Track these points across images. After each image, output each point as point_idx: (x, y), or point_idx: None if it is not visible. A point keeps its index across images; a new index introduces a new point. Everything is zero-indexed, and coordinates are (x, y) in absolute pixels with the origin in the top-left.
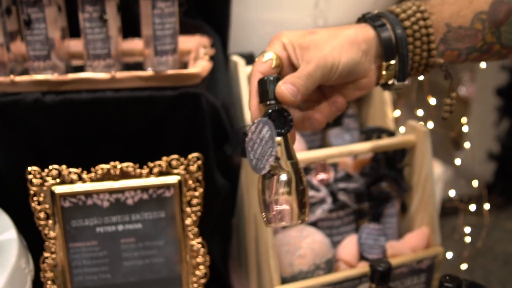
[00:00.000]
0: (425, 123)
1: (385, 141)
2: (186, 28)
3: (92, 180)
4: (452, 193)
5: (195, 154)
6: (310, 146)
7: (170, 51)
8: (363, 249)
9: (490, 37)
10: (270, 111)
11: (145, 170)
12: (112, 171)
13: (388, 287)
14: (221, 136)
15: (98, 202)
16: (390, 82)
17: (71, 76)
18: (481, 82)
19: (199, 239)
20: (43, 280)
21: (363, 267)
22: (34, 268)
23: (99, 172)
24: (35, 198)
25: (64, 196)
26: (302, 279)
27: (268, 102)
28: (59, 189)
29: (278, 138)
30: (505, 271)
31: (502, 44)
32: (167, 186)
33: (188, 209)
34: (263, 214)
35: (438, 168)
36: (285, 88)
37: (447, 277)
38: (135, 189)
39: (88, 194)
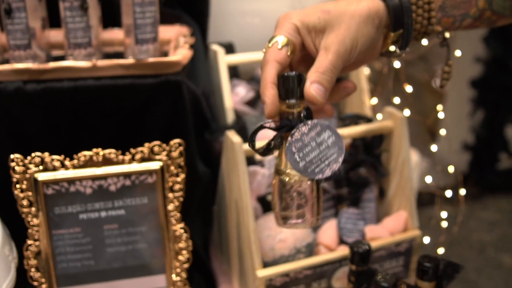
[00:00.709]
0: (402, 111)
1: (363, 127)
2: (166, 18)
3: (74, 167)
4: (428, 179)
5: (177, 140)
6: None
7: (150, 40)
8: (343, 233)
9: (482, 3)
10: (303, 114)
11: (127, 157)
12: (94, 158)
13: (368, 268)
14: (201, 124)
15: (81, 189)
16: (391, 49)
17: (53, 64)
18: (455, 74)
19: (182, 225)
20: (27, 268)
21: (343, 251)
22: (18, 255)
23: (82, 159)
24: (18, 186)
25: (47, 183)
26: (284, 263)
27: (288, 101)
28: (42, 176)
29: None
30: (480, 259)
31: (492, 11)
32: (150, 172)
33: (170, 195)
34: (279, 215)
35: (414, 157)
36: (314, 90)
37: (426, 257)
38: (117, 175)
39: (71, 181)
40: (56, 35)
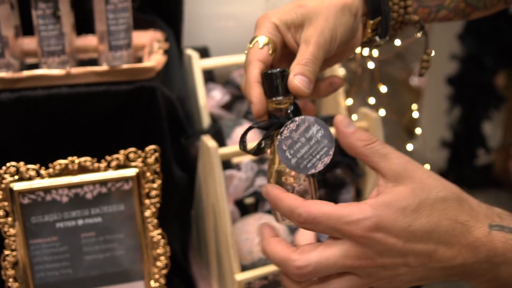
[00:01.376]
0: (377, 111)
1: None
2: (139, 24)
3: (50, 175)
4: None
5: (152, 147)
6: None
7: (124, 46)
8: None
9: None
10: (290, 110)
11: (103, 164)
12: (70, 166)
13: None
14: (177, 129)
15: (57, 198)
16: (371, 39)
17: (26, 73)
18: (432, 72)
19: (159, 231)
20: (5, 278)
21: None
22: None
23: (57, 167)
24: None
25: (23, 192)
26: (262, 266)
27: (275, 98)
28: (18, 186)
29: None
30: None
31: (466, 3)
32: (126, 179)
33: (147, 201)
34: (276, 215)
35: None
36: (298, 81)
37: None
38: (93, 183)
39: (47, 190)
40: (29, 42)
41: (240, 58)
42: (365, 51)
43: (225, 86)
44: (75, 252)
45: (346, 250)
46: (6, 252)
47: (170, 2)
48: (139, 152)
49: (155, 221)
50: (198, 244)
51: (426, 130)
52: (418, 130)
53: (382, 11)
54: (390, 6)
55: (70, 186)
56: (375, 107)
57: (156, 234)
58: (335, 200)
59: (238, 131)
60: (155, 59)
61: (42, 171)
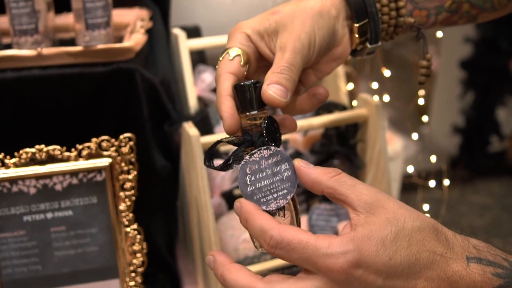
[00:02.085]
0: (381, 97)
1: (335, 116)
2: (124, 1)
3: (16, 165)
4: (410, 169)
5: (127, 135)
6: None
7: (102, 25)
8: (314, 231)
9: None
10: (265, 126)
11: (73, 153)
12: (37, 155)
13: None
14: (160, 115)
15: (24, 189)
16: (360, 47)
17: None
18: (445, 55)
19: (135, 226)
20: None
21: None
22: None
23: (23, 156)
24: None
25: None
26: (248, 264)
27: (248, 113)
28: None
29: None
30: None
31: (471, 3)
32: (98, 170)
33: (121, 194)
34: (254, 241)
35: (398, 144)
36: (273, 91)
37: None
38: (63, 173)
39: (12, 180)
40: (5, 21)
41: None
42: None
43: None
44: (44, 248)
45: (319, 287)
46: None
47: None
48: (113, 140)
49: (131, 215)
50: (184, 237)
51: (438, 115)
52: (425, 118)
53: (369, 13)
54: (378, 8)
55: (38, 177)
56: (379, 92)
57: (131, 229)
58: None
59: None
60: (134, 39)
61: (7, 160)
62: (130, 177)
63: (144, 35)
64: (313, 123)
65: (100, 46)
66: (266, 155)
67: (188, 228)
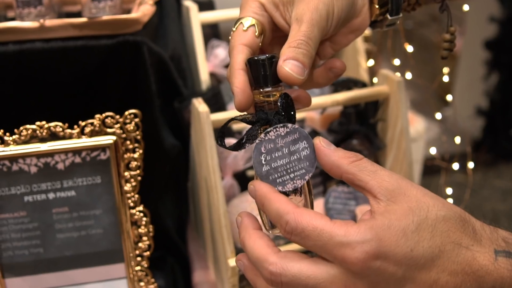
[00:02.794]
0: (403, 74)
1: (354, 93)
2: None
3: (16, 142)
4: (433, 151)
5: (132, 111)
6: None
7: None
8: (330, 215)
9: None
10: (280, 105)
11: (75, 130)
12: (38, 132)
13: None
14: (170, 91)
15: (24, 168)
16: (381, 18)
17: None
18: (469, 35)
19: (141, 207)
20: None
21: None
22: None
23: (24, 133)
24: None
25: None
26: None
27: (262, 89)
28: None
29: None
30: None
31: None
32: (102, 148)
33: (126, 174)
34: (266, 220)
35: (420, 125)
36: (289, 67)
37: None
38: (65, 151)
39: (12, 158)
40: None
41: None
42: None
43: None
44: (46, 229)
45: (333, 276)
46: None
47: None
48: (117, 117)
49: (137, 196)
50: (195, 219)
51: (461, 97)
52: (449, 97)
53: None
54: None
55: (39, 155)
56: (401, 70)
57: (137, 211)
58: None
59: None
60: (141, 10)
61: (7, 138)
62: (135, 156)
63: (153, 6)
64: (331, 100)
65: (105, 18)
66: (282, 133)
67: (199, 211)
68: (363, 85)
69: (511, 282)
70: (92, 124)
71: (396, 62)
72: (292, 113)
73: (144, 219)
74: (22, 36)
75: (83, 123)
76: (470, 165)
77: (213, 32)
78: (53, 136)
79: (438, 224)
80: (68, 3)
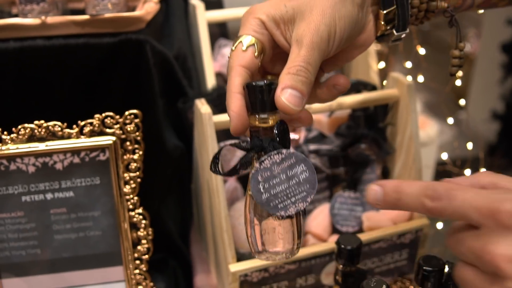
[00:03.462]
0: (415, 77)
1: (364, 96)
2: None
3: (14, 141)
4: (445, 156)
5: (132, 111)
6: None
7: None
8: (336, 221)
9: None
10: (276, 132)
11: (74, 130)
12: (37, 131)
13: (357, 269)
14: (174, 91)
15: (22, 167)
16: (388, 32)
17: None
18: (486, 38)
19: (140, 210)
20: None
21: (334, 243)
22: None
23: (22, 132)
24: None
25: None
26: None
27: (258, 116)
28: None
29: None
30: None
31: None
32: (101, 148)
33: (126, 175)
34: (252, 245)
35: (433, 129)
36: (287, 98)
37: (427, 259)
38: (64, 151)
39: (10, 158)
40: None
41: None
42: None
43: None
44: (43, 230)
45: None
46: None
47: None
48: (117, 117)
49: (136, 198)
50: (198, 222)
51: (476, 100)
52: (462, 101)
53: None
54: None
55: (37, 155)
56: (412, 72)
57: (136, 213)
58: (357, 181)
59: None
60: (145, 8)
61: (5, 136)
62: (135, 157)
63: (157, 4)
64: (339, 103)
65: (108, 15)
66: (278, 160)
67: (202, 213)
68: (372, 88)
69: None
70: (91, 124)
71: (408, 64)
72: (287, 136)
73: (144, 221)
74: (23, 33)
75: (82, 123)
76: (482, 170)
77: (221, 31)
78: (52, 135)
79: None
80: (74, 0)
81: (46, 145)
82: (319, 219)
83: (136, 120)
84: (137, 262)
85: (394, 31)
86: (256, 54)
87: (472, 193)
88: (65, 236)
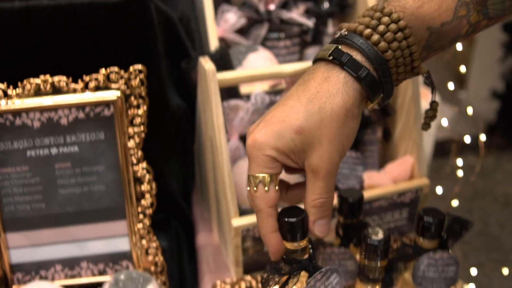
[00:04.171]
0: None
1: None
2: None
3: (20, 96)
4: (444, 122)
5: (137, 66)
6: None
7: None
8: (338, 179)
9: (476, 17)
10: (309, 251)
11: (79, 85)
12: (42, 86)
13: (359, 221)
14: (177, 52)
15: (27, 122)
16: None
17: None
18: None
19: (144, 164)
20: None
21: (335, 198)
22: None
23: (27, 87)
24: None
25: None
26: None
27: (293, 243)
28: None
29: None
30: (504, 213)
31: (489, 18)
32: (106, 103)
33: (130, 130)
34: None
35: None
36: (319, 230)
37: (428, 211)
38: (69, 106)
39: (15, 112)
40: None
41: None
42: None
43: (242, 8)
44: (48, 185)
45: None
46: None
47: None
48: (122, 72)
49: (140, 153)
50: (200, 182)
51: (477, 79)
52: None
53: (385, 91)
54: (393, 72)
55: (42, 109)
56: None
57: (140, 168)
58: (358, 141)
59: (252, 58)
60: None
61: (10, 91)
62: (139, 112)
63: None
64: None
65: None
66: (319, 277)
67: (204, 172)
68: None
69: None
70: (96, 79)
71: None
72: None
73: (147, 176)
74: None
75: (87, 78)
76: (481, 148)
77: None
78: (57, 90)
79: None
80: None
81: (52, 100)
82: None
83: (141, 76)
84: (141, 216)
85: (377, 106)
86: (276, 188)
87: None
88: (69, 190)
